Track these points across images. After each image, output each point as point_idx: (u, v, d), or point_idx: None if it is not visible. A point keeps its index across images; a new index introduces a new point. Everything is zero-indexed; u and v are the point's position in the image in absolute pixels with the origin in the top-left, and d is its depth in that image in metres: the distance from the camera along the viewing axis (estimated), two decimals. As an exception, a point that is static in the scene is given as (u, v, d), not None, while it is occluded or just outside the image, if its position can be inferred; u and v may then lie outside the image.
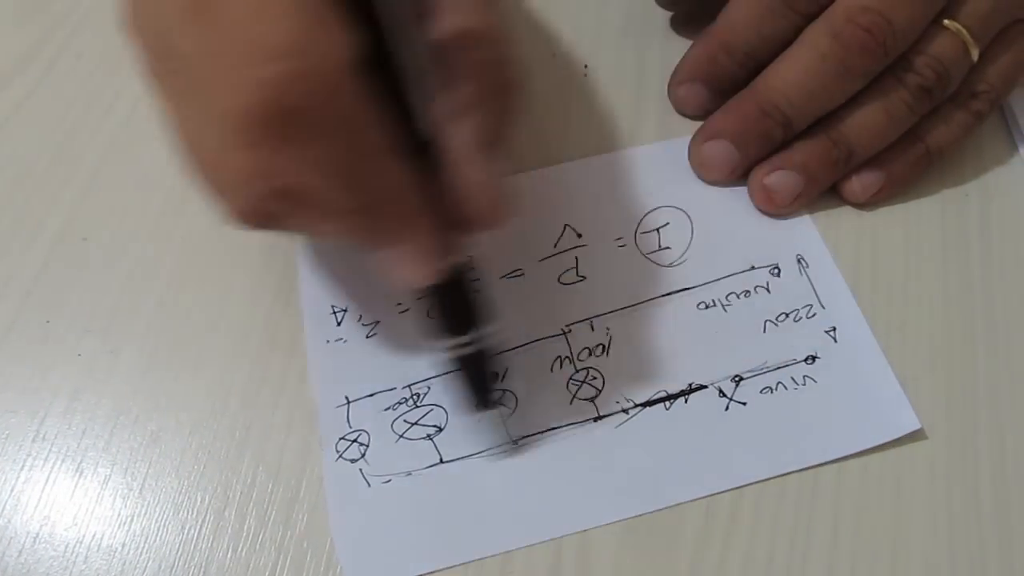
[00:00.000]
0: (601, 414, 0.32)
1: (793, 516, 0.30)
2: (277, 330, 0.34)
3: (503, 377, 0.33)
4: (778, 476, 0.31)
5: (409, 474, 0.31)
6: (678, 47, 0.40)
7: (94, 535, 0.31)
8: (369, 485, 0.31)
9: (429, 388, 0.33)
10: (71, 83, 0.41)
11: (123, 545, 0.31)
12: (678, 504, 0.30)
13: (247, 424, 0.32)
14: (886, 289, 0.34)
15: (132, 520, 0.31)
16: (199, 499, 0.31)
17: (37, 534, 0.31)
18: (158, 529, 0.31)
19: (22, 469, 0.32)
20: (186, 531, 0.31)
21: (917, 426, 0.31)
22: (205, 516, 0.31)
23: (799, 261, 0.35)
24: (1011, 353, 0.33)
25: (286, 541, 0.30)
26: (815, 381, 0.32)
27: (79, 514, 0.31)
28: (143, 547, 0.30)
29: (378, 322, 0.34)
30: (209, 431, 0.32)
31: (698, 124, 0.37)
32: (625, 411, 0.32)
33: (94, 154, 0.39)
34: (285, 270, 0.36)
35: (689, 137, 0.37)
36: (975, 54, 0.34)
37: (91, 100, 0.41)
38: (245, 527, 0.31)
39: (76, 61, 0.42)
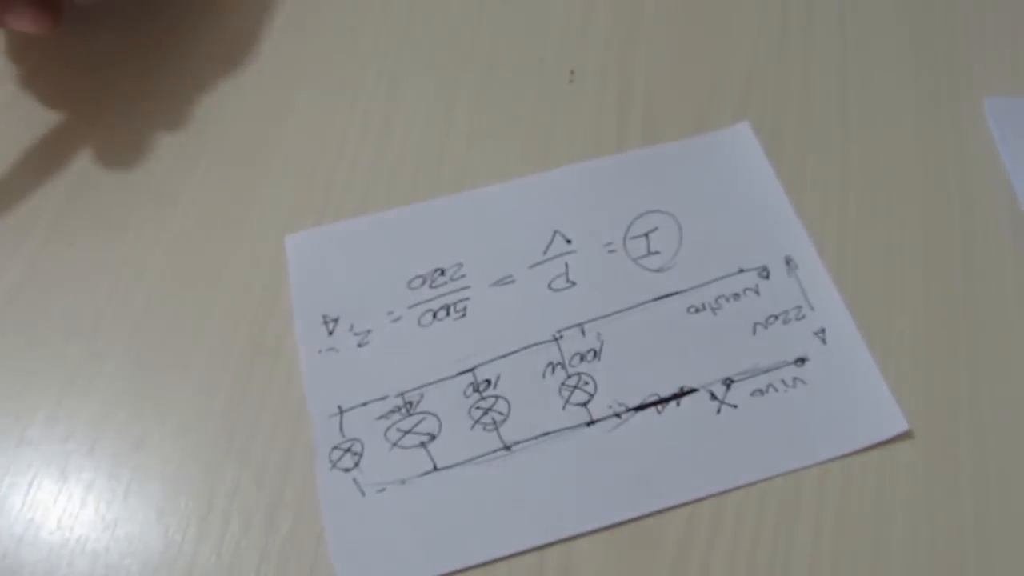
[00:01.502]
0: (594, 419, 0.32)
1: (775, 520, 0.30)
2: (262, 335, 0.34)
3: (495, 384, 0.33)
4: (760, 481, 0.31)
5: (403, 482, 0.31)
6: (664, 52, 0.40)
7: (78, 539, 0.30)
8: (363, 494, 0.31)
9: (422, 396, 0.33)
10: (60, 83, 0.41)
11: (107, 549, 0.30)
12: (661, 511, 0.30)
13: (231, 429, 0.32)
14: (869, 291, 0.34)
15: (116, 524, 0.31)
16: (183, 504, 0.31)
17: (21, 537, 0.31)
18: (142, 533, 0.30)
19: (6, 474, 0.32)
20: (169, 535, 0.30)
21: (905, 427, 0.31)
22: (188, 521, 0.31)
23: (787, 262, 0.35)
24: (993, 356, 0.33)
25: (269, 546, 0.30)
26: (805, 383, 0.32)
27: (63, 518, 0.31)
28: (127, 551, 0.30)
29: (370, 331, 0.34)
30: (193, 436, 0.32)
31: (686, 135, 0.38)
32: (618, 415, 0.32)
33: (81, 157, 0.39)
34: (271, 275, 0.35)
35: (679, 141, 0.37)
36: None
37: (80, 102, 0.41)
38: (228, 532, 0.30)
39: (67, 60, 0.42)
